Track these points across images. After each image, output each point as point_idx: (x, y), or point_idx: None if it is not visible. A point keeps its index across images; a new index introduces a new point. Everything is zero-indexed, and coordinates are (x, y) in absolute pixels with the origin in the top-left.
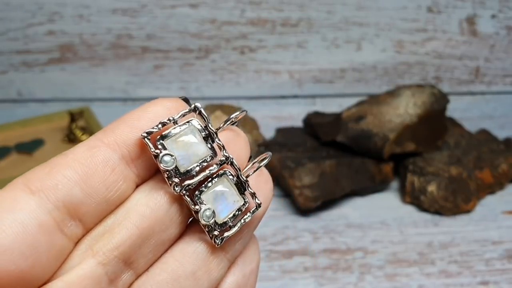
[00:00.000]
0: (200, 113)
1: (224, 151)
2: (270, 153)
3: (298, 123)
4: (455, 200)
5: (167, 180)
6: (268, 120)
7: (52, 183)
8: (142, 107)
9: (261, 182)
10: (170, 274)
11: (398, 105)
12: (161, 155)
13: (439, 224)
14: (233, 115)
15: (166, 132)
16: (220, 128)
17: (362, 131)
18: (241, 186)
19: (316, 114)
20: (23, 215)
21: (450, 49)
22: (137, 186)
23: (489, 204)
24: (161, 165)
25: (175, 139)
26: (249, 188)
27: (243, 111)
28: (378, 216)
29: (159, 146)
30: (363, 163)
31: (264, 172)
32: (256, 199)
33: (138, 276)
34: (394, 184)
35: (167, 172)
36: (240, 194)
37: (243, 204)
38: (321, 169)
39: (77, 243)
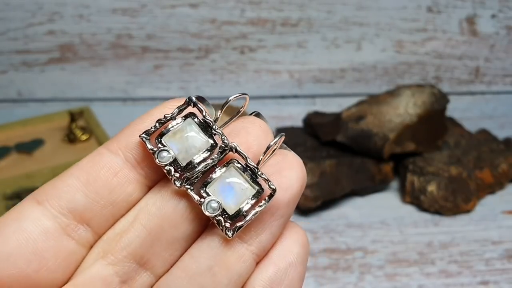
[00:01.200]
0: (195, 105)
1: (223, 137)
2: (283, 134)
3: (298, 123)
4: (455, 200)
5: (168, 176)
6: (268, 120)
7: (55, 192)
8: (147, 112)
9: (284, 166)
10: (185, 271)
11: (398, 105)
12: (157, 151)
13: (439, 224)
14: (231, 98)
15: (165, 129)
16: (217, 118)
17: (362, 131)
18: (252, 173)
19: (316, 114)
20: (27, 223)
21: (450, 49)
22: (150, 188)
23: (489, 204)
24: (157, 160)
25: (172, 134)
26: (260, 174)
27: (244, 94)
28: (378, 216)
29: (158, 144)
30: (363, 163)
31: (289, 157)
32: (270, 184)
33: (160, 278)
34: (394, 184)
35: (166, 168)
36: (253, 182)
37: (258, 192)
38: (321, 169)
39: (91, 248)
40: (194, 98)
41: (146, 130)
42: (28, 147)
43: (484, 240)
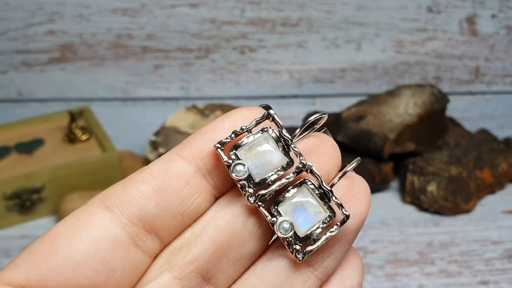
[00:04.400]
0: (273, 119)
1: (301, 158)
2: (359, 158)
3: (298, 123)
4: (455, 200)
5: (241, 191)
6: None
7: (126, 198)
8: (219, 119)
9: (354, 191)
10: None
11: (398, 105)
12: (233, 164)
13: (439, 224)
14: (311, 118)
15: (240, 141)
16: (296, 134)
17: (362, 131)
18: (324, 196)
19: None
20: (97, 230)
21: (450, 49)
22: (216, 199)
23: (489, 204)
24: (233, 174)
25: (249, 148)
26: (334, 199)
27: (324, 114)
28: (378, 216)
29: (232, 156)
30: (363, 163)
31: (358, 181)
32: (344, 210)
33: None
34: (394, 183)
35: (241, 182)
36: (325, 205)
37: (329, 216)
38: None
39: (155, 257)
40: (273, 113)
41: (221, 141)
42: (28, 147)
43: (484, 240)
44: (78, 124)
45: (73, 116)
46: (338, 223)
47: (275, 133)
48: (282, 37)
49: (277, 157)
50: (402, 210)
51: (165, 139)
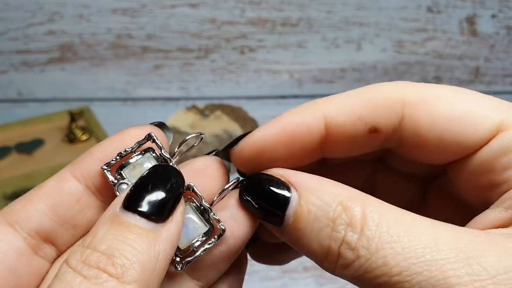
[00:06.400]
0: (154, 141)
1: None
2: (239, 177)
3: None
4: None
5: None
6: (268, 120)
7: (25, 216)
8: (110, 138)
9: (240, 214)
10: None
11: None
12: (117, 184)
13: None
14: (188, 137)
15: (125, 162)
16: (175, 154)
17: None
18: (205, 212)
19: None
20: (2, 244)
21: (450, 49)
22: None
23: None
24: (117, 192)
25: (132, 168)
26: (212, 215)
27: (200, 135)
28: None
29: (118, 176)
30: None
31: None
32: (220, 224)
33: None
34: None
35: None
36: (205, 221)
37: (209, 230)
38: None
39: (54, 262)
40: (153, 135)
41: (108, 162)
42: (28, 147)
43: None
44: (78, 124)
45: (73, 116)
46: (216, 236)
47: (156, 154)
48: (282, 37)
49: None
50: None
51: None
